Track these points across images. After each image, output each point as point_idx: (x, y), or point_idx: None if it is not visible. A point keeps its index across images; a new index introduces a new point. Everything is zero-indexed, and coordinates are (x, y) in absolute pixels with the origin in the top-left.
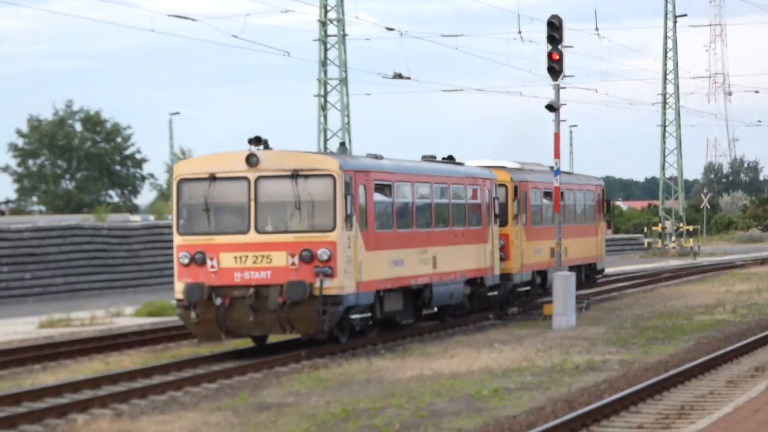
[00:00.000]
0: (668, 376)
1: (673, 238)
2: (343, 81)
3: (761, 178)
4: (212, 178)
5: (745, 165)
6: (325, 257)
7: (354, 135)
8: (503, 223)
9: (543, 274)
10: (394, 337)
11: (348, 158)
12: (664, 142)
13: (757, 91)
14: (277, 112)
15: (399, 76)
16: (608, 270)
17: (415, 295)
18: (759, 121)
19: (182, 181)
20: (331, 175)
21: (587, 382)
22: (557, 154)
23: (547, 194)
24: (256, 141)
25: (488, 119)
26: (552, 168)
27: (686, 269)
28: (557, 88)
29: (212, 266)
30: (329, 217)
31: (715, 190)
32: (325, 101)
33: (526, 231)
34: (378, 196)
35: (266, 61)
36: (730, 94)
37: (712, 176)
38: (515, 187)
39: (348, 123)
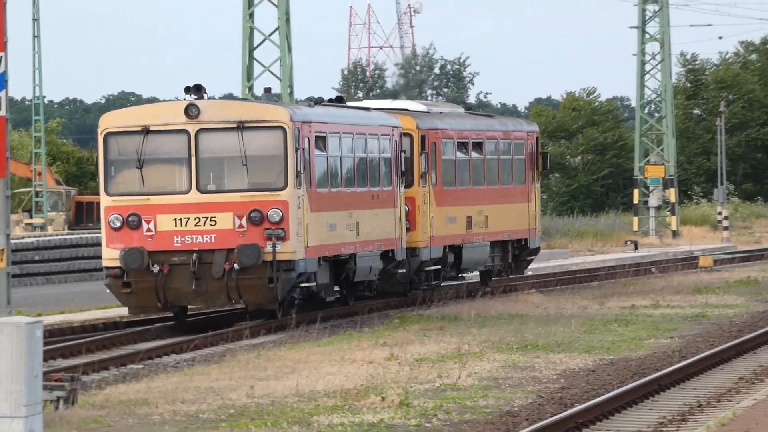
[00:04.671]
0: None
1: None
2: None
3: (471, 97)
4: (146, 131)
5: (436, 68)
6: (276, 218)
7: None
8: (408, 184)
9: (457, 249)
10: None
11: (295, 108)
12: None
13: None
14: None
15: None
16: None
17: (338, 266)
18: None
19: (109, 135)
20: (281, 127)
21: None
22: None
23: (462, 146)
24: (195, 90)
25: None
26: (468, 110)
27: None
28: None
29: (148, 230)
30: (280, 173)
31: None
32: None
33: (436, 194)
34: (315, 151)
35: None
36: None
37: (360, 94)
38: (422, 137)
39: None
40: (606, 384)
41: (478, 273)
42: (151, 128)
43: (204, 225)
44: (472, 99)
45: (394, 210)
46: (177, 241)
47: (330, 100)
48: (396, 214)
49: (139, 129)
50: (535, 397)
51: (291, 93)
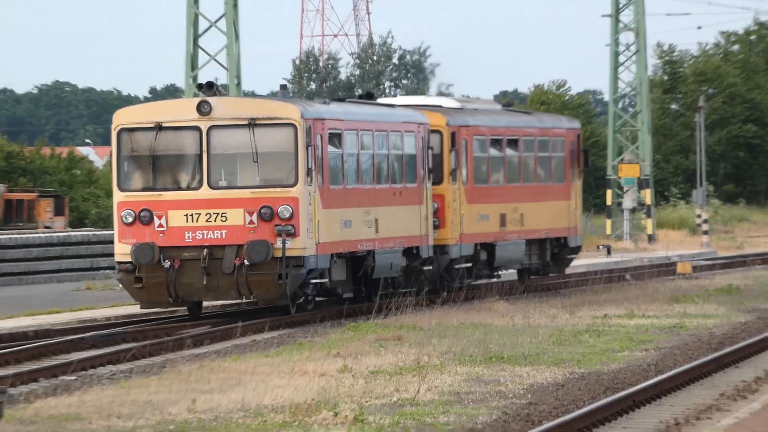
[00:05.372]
0: None
1: None
2: None
3: (432, 89)
4: (158, 127)
5: (394, 58)
6: (286, 215)
7: None
8: (437, 181)
9: (490, 247)
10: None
11: (306, 105)
12: None
13: None
14: None
15: None
16: None
17: (356, 263)
18: None
19: (123, 131)
20: (291, 124)
21: None
22: None
23: (496, 143)
24: (208, 87)
25: None
26: (505, 106)
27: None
28: None
29: (160, 225)
30: (290, 170)
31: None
32: None
33: (467, 191)
34: (329, 148)
35: None
36: None
37: (313, 86)
38: (452, 134)
39: None
40: (576, 400)
41: (516, 272)
42: (164, 125)
43: (215, 221)
44: (432, 91)
45: (419, 207)
46: (188, 236)
47: (360, 97)
48: (422, 212)
49: (152, 125)
50: (500, 413)
51: (238, 84)
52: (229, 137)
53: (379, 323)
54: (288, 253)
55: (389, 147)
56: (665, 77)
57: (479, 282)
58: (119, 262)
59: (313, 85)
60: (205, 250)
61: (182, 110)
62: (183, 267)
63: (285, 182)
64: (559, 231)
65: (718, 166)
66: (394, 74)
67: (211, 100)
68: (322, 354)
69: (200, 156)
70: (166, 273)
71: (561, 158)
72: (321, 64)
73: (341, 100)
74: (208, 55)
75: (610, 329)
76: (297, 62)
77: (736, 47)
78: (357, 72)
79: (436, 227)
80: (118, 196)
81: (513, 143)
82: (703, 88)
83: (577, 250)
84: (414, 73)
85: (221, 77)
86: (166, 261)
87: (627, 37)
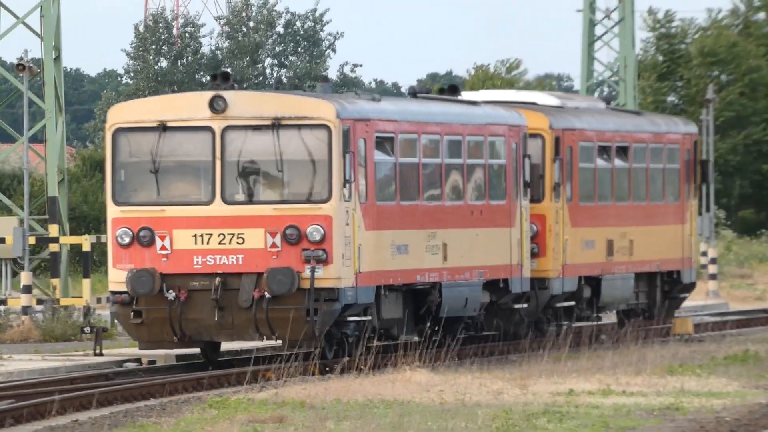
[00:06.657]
0: None
1: None
2: None
3: (332, 71)
4: (162, 128)
5: (279, 26)
6: (317, 237)
7: None
8: (535, 198)
9: (594, 282)
10: None
11: (345, 101)
12: None
13: None
14: None
15: None
16: None
17: (418, 298)
18: None
19: (119, 132)
20: (325, 126)
21: None
22: None
23: (603, 150)
24: (223, 78)
25: None
26: (609, 104)
27: None
28: None
29: (163, 248)
30: (323, 182)
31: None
32: None
33: (571, 211)
34: (378, 155)
35: None
36: None
37: (164, 63)
38: (556, 139)
39: None
40: None
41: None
42: (169, 124)
43: (230, 243)
44: (332, 73)
45: (509, 230)
46: (197, 261)
47: (441, 91)
48: (512, 236)
49: (155, 125)
50: None
51: (58, 58)
52: (249, 141)
53: (253, 398)
54: (318, 284)
55: (466, 155)
56: (660, 57)
57: (581, 324)
58: (113, 292)
59: (163, 62)
60: (218, 279)
61: (191, 106)
62: (190, 299)
63: (316, 197)
64: (671, 263)
65: (733, 183)
66: (278, 48)
67: (227, 94)
68: None
69: (213, 163)
70: (170, 306)
71: (675, 171)
72: (175, 32)
73: (414, 94)
74: (14, 16)
75: (578, 411)
76: (141, 29)
77: (761, 15)
78: (226, 44)
79: (534, 255)
80: (112, 211)
81: (622, 151)
82: (713, 74)
83: (691, 287)
84: (306, 47)
85: (33, 48)
86: (170, 291)
87: (607, 1)
